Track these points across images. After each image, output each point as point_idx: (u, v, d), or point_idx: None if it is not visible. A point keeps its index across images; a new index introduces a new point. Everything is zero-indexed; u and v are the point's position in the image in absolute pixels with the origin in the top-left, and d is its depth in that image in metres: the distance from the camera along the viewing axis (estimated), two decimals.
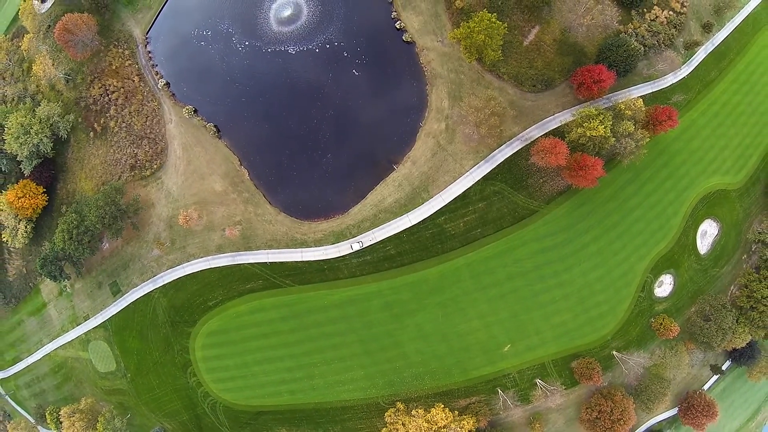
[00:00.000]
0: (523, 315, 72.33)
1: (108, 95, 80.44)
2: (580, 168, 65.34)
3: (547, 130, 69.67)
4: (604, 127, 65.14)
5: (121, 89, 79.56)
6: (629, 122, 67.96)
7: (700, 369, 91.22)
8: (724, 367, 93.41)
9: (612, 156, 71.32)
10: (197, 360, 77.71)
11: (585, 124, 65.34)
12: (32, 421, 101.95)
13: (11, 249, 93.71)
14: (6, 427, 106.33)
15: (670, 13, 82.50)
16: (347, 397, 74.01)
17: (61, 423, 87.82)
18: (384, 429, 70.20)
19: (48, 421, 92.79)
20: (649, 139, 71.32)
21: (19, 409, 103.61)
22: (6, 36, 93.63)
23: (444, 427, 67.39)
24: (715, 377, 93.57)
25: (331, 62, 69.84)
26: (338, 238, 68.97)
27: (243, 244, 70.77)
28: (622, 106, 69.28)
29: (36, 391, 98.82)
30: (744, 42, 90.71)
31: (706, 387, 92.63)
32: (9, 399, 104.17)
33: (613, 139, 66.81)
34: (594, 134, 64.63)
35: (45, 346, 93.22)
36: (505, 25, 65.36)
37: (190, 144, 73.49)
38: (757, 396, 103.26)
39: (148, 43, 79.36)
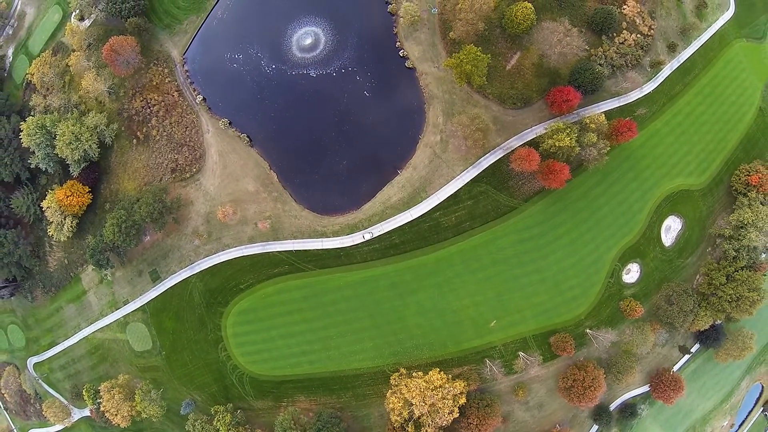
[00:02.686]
0: (506, 295, 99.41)
1: (149, 107, 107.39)
2: (550, 172, 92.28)
3: (524, 141, 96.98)
4: (570, 139, 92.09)
5: (162, 103, 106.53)
6: (593, 134, 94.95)
7: (670, 350, 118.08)
8: (693, 350, 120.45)
9: (580, 162, 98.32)
10: (228, 336, 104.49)
11: (554, 136, 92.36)
12: (64, 401, 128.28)
13: (53, 243, 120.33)
14: (38, 408, 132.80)
15: (638, 35, 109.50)
16: (358, 365, 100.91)
17: (100, 398, 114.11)
18: (389, 391, 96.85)
19: (85, 398, 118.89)
20: (610, 147, 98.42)
21: (51, 391, 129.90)
22: (48, 52, 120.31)
23: (439, 387, 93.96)
24: (685, 359, 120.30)
25: (346, 84, 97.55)
26: (352, 229, 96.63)
27: (272, 235, 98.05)
28: (588, 120, 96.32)
29: (71, 372, 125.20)
30: (710, 58, 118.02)
31: (676, 367, 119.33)
32: (42, 382, 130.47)
33: (579, 148, 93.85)
34: (561, 144, 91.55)
35: (82, 330, 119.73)
36: (489, 56, 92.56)
37: (225, 151, 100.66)
38: (729, 379, 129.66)
39: (185, 63, 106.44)
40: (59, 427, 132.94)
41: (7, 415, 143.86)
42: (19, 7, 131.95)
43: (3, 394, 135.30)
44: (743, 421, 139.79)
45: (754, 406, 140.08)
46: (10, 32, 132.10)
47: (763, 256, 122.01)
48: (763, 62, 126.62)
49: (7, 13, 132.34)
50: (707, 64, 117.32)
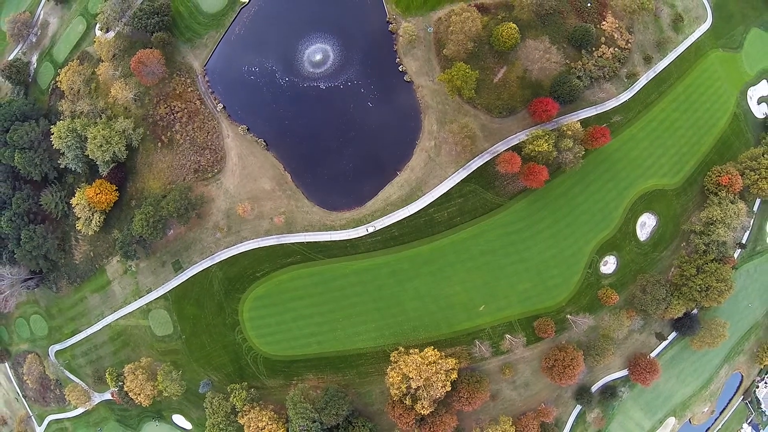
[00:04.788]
0: (494, 282, 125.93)
1: (173, 114, 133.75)
2: (530, 173, 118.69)
3: (509, 146, 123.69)
4: (548, 144, 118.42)
5: (185, 110, 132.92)
6: (569, 140, 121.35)
7: (648, 336, 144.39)
8: (670, 337, 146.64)
9: (559, 165, 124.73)
10: (244, 320, 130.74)
11: (534, 142, 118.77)
12: (85, 386, 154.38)
13: (79, 237, 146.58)
14: (58, 393, 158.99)
15: (616, 49, 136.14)
16: (361, 345, 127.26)
17: (123, 379, 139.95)
18: (389, 367, 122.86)
19: (108, 380, 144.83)
20: (587, 152, 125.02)
21: (72, 377, 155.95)
22: (75, 61, 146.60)
23: (433, 362, 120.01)
24: (662, 345, 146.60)
25: (352, 96, 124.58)
26: (357, 223, 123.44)
27: (286, 228, 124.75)
28: (565, 128, 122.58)
29: (93, 358, 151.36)
30: (685, 68, 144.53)
31: (654, 353, 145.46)
32: (63, 369, 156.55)
33: (556, 152, 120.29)
34: (540, 149, 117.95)
35: (106, 318, 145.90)
36: (477, 72, 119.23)
37: (244, 154, 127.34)
38: (707, 367, 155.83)
39: (206, 74, 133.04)
40: (78, 411, 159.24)
41: (24, 402, 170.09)
42: (41, 17, 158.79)
43: (26, 381, 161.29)
44: (724, 409, 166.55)
45: (734, 395, 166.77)
46: (34, 40, 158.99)
47: (737, 252, 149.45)
48: (739, 70, 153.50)
49: (30, 22, 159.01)
50: (682, 74, 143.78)
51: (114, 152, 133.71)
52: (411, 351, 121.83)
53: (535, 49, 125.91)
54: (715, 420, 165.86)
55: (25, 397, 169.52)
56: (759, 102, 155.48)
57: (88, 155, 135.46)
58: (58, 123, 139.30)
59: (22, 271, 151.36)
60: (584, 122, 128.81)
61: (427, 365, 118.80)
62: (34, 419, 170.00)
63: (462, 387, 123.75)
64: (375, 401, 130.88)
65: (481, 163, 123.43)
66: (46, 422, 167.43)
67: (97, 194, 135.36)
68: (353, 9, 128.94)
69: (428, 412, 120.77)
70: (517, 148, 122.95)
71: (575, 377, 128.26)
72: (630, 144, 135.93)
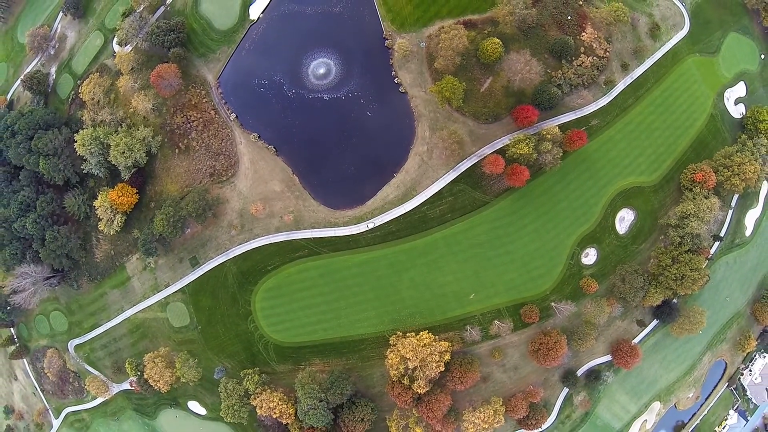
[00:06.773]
0: (482, 273, 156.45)
1: (189, 123, 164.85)
2: (513, 174, 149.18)
3: (494, 149, 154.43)
4: (528, 148, 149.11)
5: (200, 119, 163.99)
6: (548, 143, 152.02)
7: (630, 324, 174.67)
8: (651, 324, 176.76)
9: (540, 166, 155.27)
10: (256, 310, 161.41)
11: (516, 146, 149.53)
12: (103, 378, 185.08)
13: (100, 237, 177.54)
14: (77, 386, 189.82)
15: (594, 58, 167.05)
16: (363, 331, 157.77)
17: (143, 368, 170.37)
18: (388, 350, 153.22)
19: (128, 370, 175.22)
20: (565, 153, 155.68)
21: (91, 369, 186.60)
22: (96, 74, 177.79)
23: (428, 344, 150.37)
24: (644, 332, 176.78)
25: (352, 105, 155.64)
26: (359, 220, 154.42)
27: (294, 226, 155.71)
28: (544, 132, 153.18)
29: (112, 350, 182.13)
30: (662, 73, 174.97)
31: (637, 339, 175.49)
32: (82, 362, 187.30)
33: (536, 154, 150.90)
34: (521, 152, 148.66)
35: (125, 312, 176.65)
36: (464, 84, 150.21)
37: (256, 159, 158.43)
38: (690, 354, 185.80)
39: (219, 86, 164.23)
40: (95, 402, 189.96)
41: (42, 396, 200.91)
42: (59, 30, 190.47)
43: (46, 374, 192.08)
44: (709, 395, 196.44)
45: (719, 382, 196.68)
46: (52, 52, 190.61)
47: (715, 245, 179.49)
48: (716, 74, 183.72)
49: (49, 35, 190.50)
50: (659, 79, 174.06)
51: (135, 158, 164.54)
52: (408, 335, 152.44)
53: (517, 61, 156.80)
54: (701, 406, 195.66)
55: (42, 390, 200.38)
56: (736, 103, 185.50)
57: (109, 161, 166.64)
58: (81, 131, 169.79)
59: (45, 270, 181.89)
60: (564, 126, 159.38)
61: (422, 347, 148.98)
62: (51, 412, 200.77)
63: (455, 367, 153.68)
64: (376, 384, 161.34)
65: (469, 165, 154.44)
66: (63, 414, 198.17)
67: (119, 197, 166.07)
68: (353, 27, 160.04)
69: (424, 391, 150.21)
70: (501, 151, 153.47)
71: (558, 359, 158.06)
72: (608, 145, 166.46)
